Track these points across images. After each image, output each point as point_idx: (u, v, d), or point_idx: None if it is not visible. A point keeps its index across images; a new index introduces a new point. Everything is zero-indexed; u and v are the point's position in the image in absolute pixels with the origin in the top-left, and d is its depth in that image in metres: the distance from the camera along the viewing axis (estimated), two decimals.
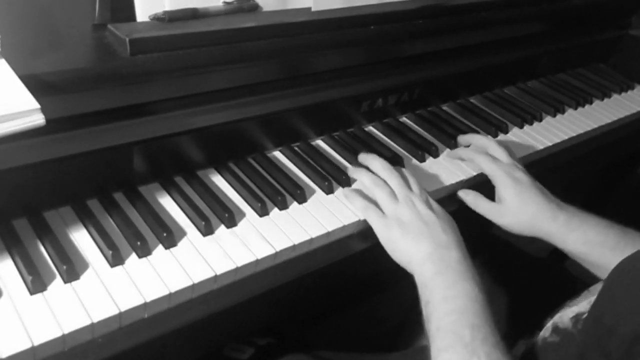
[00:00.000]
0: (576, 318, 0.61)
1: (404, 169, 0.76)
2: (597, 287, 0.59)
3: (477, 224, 0.76)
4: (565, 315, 0.63)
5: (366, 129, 0.90)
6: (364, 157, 0.76)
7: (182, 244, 0.62)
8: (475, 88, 1.05)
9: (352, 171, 0.75)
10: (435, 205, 0.69)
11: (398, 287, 0.94)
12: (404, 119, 0.95)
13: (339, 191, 0.75)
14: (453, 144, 0.88)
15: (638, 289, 0.49)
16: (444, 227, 0.65)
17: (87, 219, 0.62)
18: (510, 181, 0.74)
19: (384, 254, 0.66)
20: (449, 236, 0.64)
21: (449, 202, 0.80)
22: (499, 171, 0.75)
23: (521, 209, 0.72)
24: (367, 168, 0.75)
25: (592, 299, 0.56)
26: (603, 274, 0.68)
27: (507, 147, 0.81)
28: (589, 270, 0.72)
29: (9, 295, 0.53)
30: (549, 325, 0.65)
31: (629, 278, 0.51)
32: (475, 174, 0.82)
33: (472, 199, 0.77)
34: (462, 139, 0.87)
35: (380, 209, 0.69)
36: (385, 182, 0.71)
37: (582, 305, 0.61)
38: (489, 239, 0.99)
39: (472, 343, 0.54)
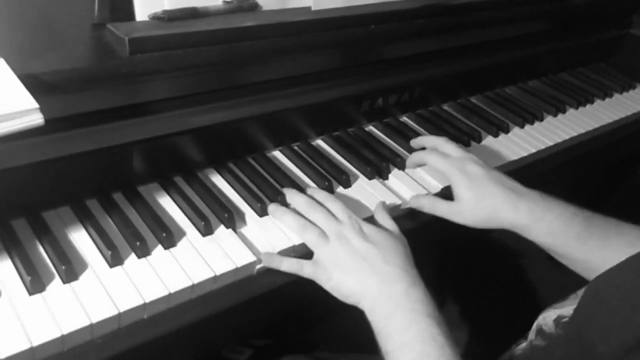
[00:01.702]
0: (557, 320, 0.61)
1: (327, 194, 0.69)
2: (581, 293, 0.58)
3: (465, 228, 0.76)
4: (548, 317, 0.63)
5: (366, 128, 0.90)
6: (287, 191, 0.70)
7: (182, 244, 0.62)
8: (476, 87, 1.05)
9: (273, 211, 0.68)
10: (370, 230, 0.64)
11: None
12: (404, 118, 0.94)
13: (339, 191, 0.75)
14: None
15: (620, 305, 0.47)
16: (385, 256, 0.60)
17: (86, 219, 0.62)
18: (462, 177, 0.71)
19: None
20: (392, 266, 0.60)
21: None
22: (450, 168, 0.72)
23: (478, 204, 0.69)
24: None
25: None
26: (570, 263, 0.68)
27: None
28: (557, 260, 0.69)
29: (8, 295, 0.53)
30: (533, 327, 0.65)
31: (610, 292, 0.49)
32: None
33: (429, 203, 0.73)
34: (414, 142, 0.84)
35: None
36: (314, 217, 0.65)
37: (566, 309, 0.60)
38: (486, 240, 0.98)
39: None
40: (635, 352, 0.44)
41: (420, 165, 0.80)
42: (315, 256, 0.63)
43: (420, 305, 0.57)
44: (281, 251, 0.64)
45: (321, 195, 0.69)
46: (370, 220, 0.67)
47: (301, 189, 0.72)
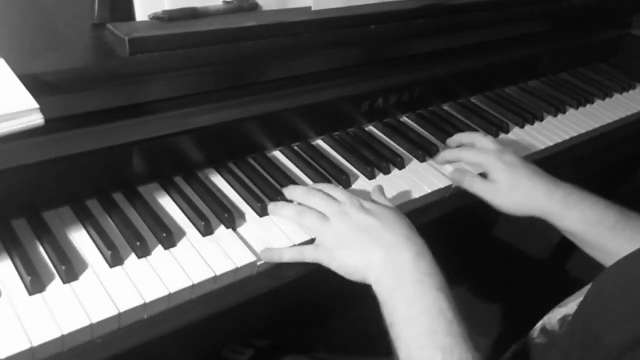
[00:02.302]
0: (563, 319, 0.61)
1: (326, 184, 0.69)
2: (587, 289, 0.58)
3: (477, 225, 0.76)
4: (553, 317, 0.63)
5: (366, 128, 0.90)
6: (286, 190, 0.69)
7: (182, 244, 0.62)
8: (476, 87, 1.05)
9: (272, 209, 0.67)
10: (370, 205, 0.62)
11: None
12: (404, 118, 0.94)
13: None
14: None
15: (628, 296, 0.47)
16: (387, 227, 0.59)
17: (86, 219, 0.61)
18: (500, 163, 0.74)
19: None
20: (396, 236, 0.58)
21: (450, 201, 0.80)
22: (487, 157, 0.75)
23: (514, 187, 0.72)
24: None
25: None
26: (599, 255, 0.68)
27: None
28: (585, 252, 0.70)
29: (8, 295, 0.52)
30: (537, 325, 0.65)
31: (619, 284, 0.49)
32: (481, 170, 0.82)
33: (468, 180, 0.75)
34: (451, 141, 0.86)
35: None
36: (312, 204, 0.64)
37: (570, 306, 0.60)
38: (489, 240, 0.98)
39: None
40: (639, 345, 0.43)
41: (452, 162, 0.82)
42: (316, 239, 0.62)
43: (428, 278, 0.55)
44: None
45: (321, 184, 0.68)
46: None
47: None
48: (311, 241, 0.65)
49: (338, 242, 0.59)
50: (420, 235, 0.60)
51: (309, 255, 0.61)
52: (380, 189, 0.70)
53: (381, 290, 0.56)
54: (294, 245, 0.64)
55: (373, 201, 0.65)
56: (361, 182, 0.77)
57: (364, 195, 0.74)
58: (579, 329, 0.52)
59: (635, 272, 0.49)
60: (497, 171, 0.73)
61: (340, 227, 0.60)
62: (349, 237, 0.59)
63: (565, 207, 0.69)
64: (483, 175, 0.77)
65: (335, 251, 0.59)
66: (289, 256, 0.61)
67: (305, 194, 0.65)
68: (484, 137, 0.80)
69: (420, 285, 0.54)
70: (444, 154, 0.82)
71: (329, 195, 0.64)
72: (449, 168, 0.82)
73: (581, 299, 0.55)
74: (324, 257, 0.60)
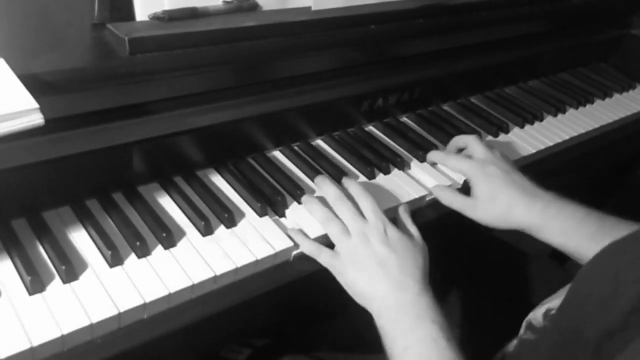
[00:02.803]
0: (546, 313, 0.62)
1: (361, 189, 0.68)
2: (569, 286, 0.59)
3: (478, 224, 0.76)
4: (538, 312, 0.63)
5: (366, 128, 0.90)
6: (319, 180, 0.71)
7: (182, 244, 0.62)
8: (476, 87, 1.05)
9: (305, 201, 0.70)
10: (393, 234, 0.64)
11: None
12: (404, 118, 0.94)
13: None
14: None
15: (602, 288, 0.48)
16: (401, 266, 0.61)
17: (86, 219, 0.62)
18: (480, 176, 0.74)
19: None
20: (405, 276, 0.61)
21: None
22: (470, 169, 0.76)
23: (493, 201, 0.72)
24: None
25: None
26: (584, 262, 0.68)
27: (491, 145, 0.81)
28: (556, 260, 0.71)
29: (7, 295, 0.52)
30: (524, 323, 0.65)
31: (595, 278, 0.51)
32: None
33: (448, 197, 0.76)
34: (450, 146, 0.86)
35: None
36: (346, 205, 0.66)
37: (554, 302, 0.61)
38: (488, 240, 0.98)
39: None
40: (615, 335, 0.44)
41: (439, 164, 0.83)
42: (336, 248, 0.64)
43: (425, 312, 0.59)
44: (281, 251, 0.64)
45: (355, 189, 0.69)
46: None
47: (301, 188, 0.72)
48: (299, 251, 0.65)
49: (353, 262, 0.62)
50: (427, 274, 0.63)
51: (324, 258, 0.63)
52: (406, 208, 0.71)
53: (382, 323, 0.60)
54: (294, 246, 0.65)
55: (397, 225, 0.66)
56: (361, 182, 0.77)
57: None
58: (562, 326, 0.53)
59: (608, 265, 0.50)
60: (478, 183, 0.74)
61: (359, 249, 0.62)
62: (364, 263, 0.62)
63: (543, 221, 0.69)
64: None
65: (348, 268, 0.62)
66: (308, 248, 0.64)
67: (336, 200, 0.67)
68: (476, 143, 0.80)
69: (417, 319, 0.58)
70: (432, 155, 0.83)
71: (357, 209, 0.66)
72: (434, 177, 0.81)
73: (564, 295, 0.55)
74: (337, 268, 0.63)
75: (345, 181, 0.72)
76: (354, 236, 0.63)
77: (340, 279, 0.63)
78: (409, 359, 0.56)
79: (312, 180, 0.76)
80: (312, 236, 0.66)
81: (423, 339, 0.57)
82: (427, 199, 0.78)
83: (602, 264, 0.52)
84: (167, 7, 0.65)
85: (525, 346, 0.63)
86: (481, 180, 0.74)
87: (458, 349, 0.56)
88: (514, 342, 0.67)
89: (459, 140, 0.84)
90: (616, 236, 0.64)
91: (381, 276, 0.61)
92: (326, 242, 0.65)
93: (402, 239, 0.64)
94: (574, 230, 0.68)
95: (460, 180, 0.80)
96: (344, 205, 0.66)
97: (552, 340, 0.55)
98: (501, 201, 0.71)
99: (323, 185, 0.70)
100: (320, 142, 0.84)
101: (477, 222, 0.73)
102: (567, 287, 0.58)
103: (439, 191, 0.77)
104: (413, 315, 0.58)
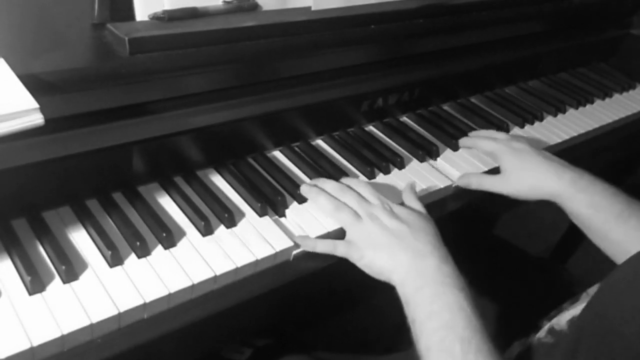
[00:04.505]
0: (572, 321, 0.61)
1: (357, 180, 0.71)
2: (595, 289, 0.58)
3: (479, 223, 0.76)
4: (563, 318, 0.63)
5: (366, 128, 0.90)
6: (318, 181, 0.71)
7: (182, 244, 0.62)
8: (476, 87, 1.05)
9: (307, 191, 0.70)
10: (401, 211, 0.65)
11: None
12: (404, 118, 0.94)
13: None
14: (454, 144, 0.88)
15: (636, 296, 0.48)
16: (415, 234, 0.62)
17: (86, 219, 0.61)
18: (508, 150, 0.77)
19: None
20: (423, 243, 0.62)
21: (453, 200, 0.80)
22: (497, 145, 0.79)
23: (523, 172, 0.74)
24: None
25: None
26: (602, 242, 0.69)
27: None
28: (590, 238, 0.71)
29: (7, 295, 0.52)
30: (545, 327, 0.65)
31: (636, 276, 0.50)
32: (486, 169, 0.82)
33: (476, 180, 0.78)
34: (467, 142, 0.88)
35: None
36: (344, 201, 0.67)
37: (579, 308, 0.61)
38: (490, 239, 0.99)
39: (464, 358, 0.53)
40: None
41: (468, 148, 0.86)
42: (347, 236, 0.64)
43: (450, 279, 0.58)
44: (281, 251, 0.64)
45: (351, 180, 0.71)
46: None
47: (299, 188, 0.72)
48: (300, 251, 0.65)
49: (369, 243, 0.62)
50: (444, 244, 0.63)
51: (340, 250, 0.64)
52: (412, 187, 0.72)
53: (405, 290, 0.59)
54: (294, 246, 0.65)
55: (403, 204, 0.68)
56: None
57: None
58: (589, 322, 0.53)
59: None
60: (506, 158, 0.76)
61: (372, 229, 0.63)
62: (380, 239, 0.62)
63: (574, 191, 0.70)
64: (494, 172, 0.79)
65: (365, 251, 0.62)
66: (322, 247, 0.64)
67: (339, 190, 0.68)
68: (496, 132, 0.85)
69: (442, 286, 0.58)
70: (463, 141, 0.86)
71: (360, 194, 0.67)
72: (451, 164, 0.83)
73: (588, 300, 0.55)
74: (354, 254, 0.63)
75: (342, 179, 0.73)
76: (365, 219, 0.64)
77: (361, 263, 0.62)
78: (433, 324, 0.55)
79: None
80: (314, 235, 0.66)
81: (449, 305, 0.56)
82: (427, 199, 0.78)
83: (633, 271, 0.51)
84: (167, 7, 0.65)
85: (545, 349, 0.63)
86: (509, 153, 0.76)
87: (482, 319, 0.55)
88: (526, 341, 0.67)
89: (477, 134, 0.87)
90: None
91: (400, 247, 0.61)
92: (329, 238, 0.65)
93: (409, 213, 0.65)
94: (602, 205, 0.68)
95: (455, 179, 0.80)
96: (348, 192, 0.67)
97: (574, 340, 0.54)
98: (531, 171, 0.73)
99: (321, 182, 0.70)
100: (320, 142, 0.84)
101: (507, 195, 0.75)
102: (590, 291, 0.59)
103: (465, 179, 0.79)
104: (438, 282, 0.58)
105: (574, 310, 0.62)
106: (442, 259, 0.60)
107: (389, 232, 0.62)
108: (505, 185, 0.75)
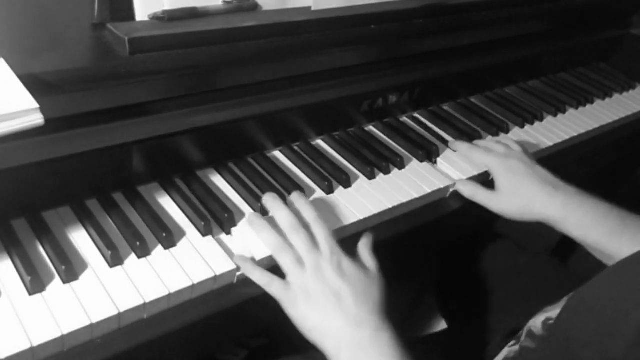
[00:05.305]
0: (545, 322, 0.61)
1: (315, 215, 0.63)
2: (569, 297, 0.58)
3: (480, 221, 0.76)
4: (538, 320, 0.63)
5: (366, 128, 0.90)
6: (270, 202, 0.65)
7: (182, 244, 0.62)
8: (476, 87, 1.05)
9: (253, 220, 0.64)
10: (349, 267, 0.60)
11: (399, 286, 0.94)
12: (404, 118, 0.94)
13: (339, 191, 0.75)
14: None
15: (601, 315, 0.48)
16: (356, 297, 0.57)
17: (86, 219, 0.61)
18: (502, 169, 0.76)
19: (387, 256, 0.65)
20: (361, 309, 0.57)
21: (454, 200, 0.80)
22: (492, 161, 0.78)
23: (515, 194, 0.74)
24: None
25: None
26: (600, 256, 0.70)
27: (515, 142, 0.84)
28: (592, 254, 0.72)
29: (7, 295, 0.52)
30: (524, 329, 0.65)
31: (597, 301, 0.50)
32: (486, 169, 0.82)
33: (470, 190, 0.78)
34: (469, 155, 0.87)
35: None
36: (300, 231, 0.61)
37: (555, 312, 0.61)
38: (491, 237, 0.99)
39: None
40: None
41: (464, 156, 0.84)
42: (287, 278, 0.60)
43: (389, 350, 0.55)
44: None
45: (309, 214, 0.63)
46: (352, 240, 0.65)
47: (301, 188, 0.72)
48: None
49: (305, 295, 0.58)
50: (384, 310, 0.59)
51: (274, 289, 0.59)
52: (369, 240, 0.66)
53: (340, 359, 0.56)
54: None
55: (354, 258, 0.62)
56: (361, 182, 0.77)
57: (366, 195, 0.74)
58: (559, 338, 0.53)
59: (609, 293, 0.50)
60: (499, 177, 0.76)
61: (312, 283, 0.58)
62: (318, 297, 0.58)
63: (565, 214, 0.70)
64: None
65: (300, 302, 0.58)
66: (257, 277, 0.60)
67: (289, 227, 0.62)
68: (496, 144, 0.83)
69: (380, 358, 0.55)
70: (458, 145, 0.85)
71: (312, 238, 0.61)
72: (450, 166, 0.83)
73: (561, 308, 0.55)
74: (287, 301, 0.59)
75: (297, 199, 0.66)
76: (308, 269, 0.59)
77: (291, 311, 0.58)
78: None
79: (312, 180, 0.76)
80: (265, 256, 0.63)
81: None
82: (427, 199, 0.78)
83: (604, 287, 0.52)
84: (167, 7, 0.65)
85: (526, 354, 0.63)
86: (504, 173, 0.76)
87: None
88: (514, 346, 0.67)
89: (478, 144, 0.86)
90: (635, 234, 0.66)
91: (336, 309, 0.57)
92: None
93: (357, 271, 0.60)
94: (593, 225, 0.69)
95: (455, 179, 0.80)
96: (298, 235, 0.61)
97: (552, 350, 0.54)
98: (523, 194, 0.73)
99: (275, 209, 0.64)
100: (320, 142, 0.84)
101: (498, 214, 0.75)
102: (566, 298, 0.58)
103: (461, 185, 0.79)
104: (374, 354, 0.55)
105: (550, 313, 0.62)
106: (379, 325, 0.57)
107: (330, 292, 0.57)
108: (497, 205, 0.75)
